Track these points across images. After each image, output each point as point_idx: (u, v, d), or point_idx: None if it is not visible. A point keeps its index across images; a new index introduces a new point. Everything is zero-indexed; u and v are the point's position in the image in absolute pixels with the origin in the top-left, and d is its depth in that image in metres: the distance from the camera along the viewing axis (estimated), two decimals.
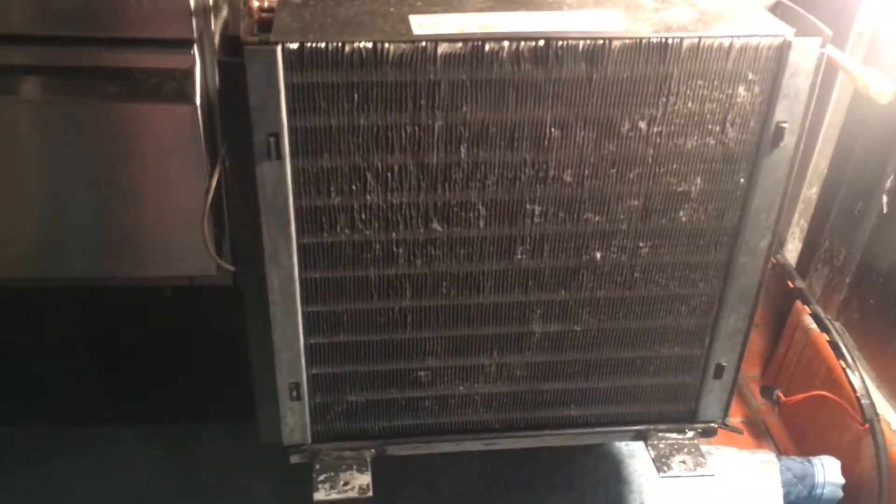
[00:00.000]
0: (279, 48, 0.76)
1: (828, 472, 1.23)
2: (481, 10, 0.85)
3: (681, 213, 0.89)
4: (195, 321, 1.43)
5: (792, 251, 1.42)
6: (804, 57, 0.81)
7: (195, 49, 1.06)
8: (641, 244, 0.90)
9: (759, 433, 1.45)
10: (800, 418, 1.39)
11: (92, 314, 1.45)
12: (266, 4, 0.88)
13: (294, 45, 0.76)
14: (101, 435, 1.28)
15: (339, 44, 0.77)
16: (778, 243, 1.43)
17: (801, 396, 1.34)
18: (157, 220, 1.17)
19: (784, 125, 0.84)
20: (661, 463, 0.99)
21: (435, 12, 0.83)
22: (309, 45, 0.77)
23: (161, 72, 1.07)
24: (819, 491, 1.22)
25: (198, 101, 1.07)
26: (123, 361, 1.43)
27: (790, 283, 1.36)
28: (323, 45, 0.77)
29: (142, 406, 1.35)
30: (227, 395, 1.02)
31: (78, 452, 1.25)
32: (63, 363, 1.41)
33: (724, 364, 0.99)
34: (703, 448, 1.23)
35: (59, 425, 1.29)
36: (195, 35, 1.04)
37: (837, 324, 1.36)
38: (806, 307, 1.35)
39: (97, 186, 1.14)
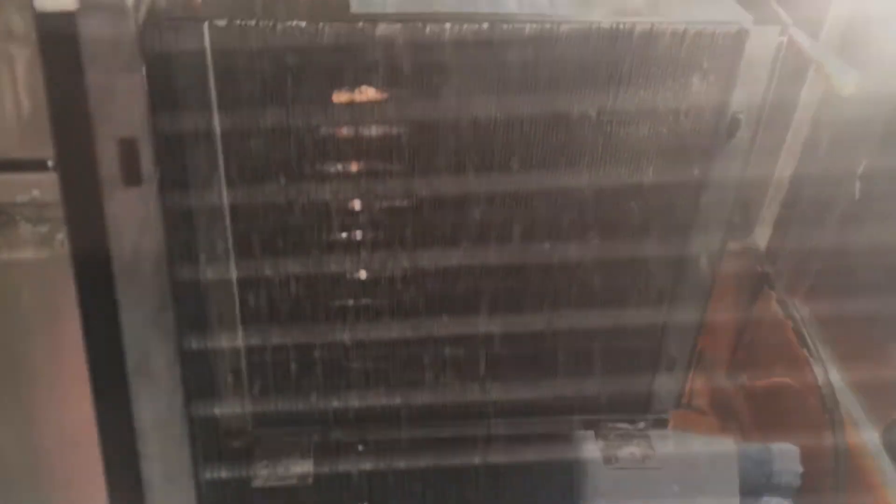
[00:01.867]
0: None
1: (786, 459, 1.21)
2: None
3: (632, 205, 0.86)
4: None
5: (762, 235, 1.40)
6: (762, 46, 0.77)
7: None
8: (591, 235, 0.87)
9: (726, 416, 1.44)
10: (765, 403, 1.38)
11: None
12: None
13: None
14: None
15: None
16: (748, 227, 1.40)
17: (765, 382, 1.33)
18: None
19: (740, 116, 0.81)
20: (608, 454, 0.98)
21: None
22: None
23: None
24: (777, 479, 1.21)
25: None
26: None
27: (758, 268, 1.33)
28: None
29: None
30: None
31: None
32: None
33: (677, 357, 0.97)
34: (661, 433, 1.22)
35: None
36: None
37: (805, 309, 1.34)
38: (772, 292, 1.32)
39: None
